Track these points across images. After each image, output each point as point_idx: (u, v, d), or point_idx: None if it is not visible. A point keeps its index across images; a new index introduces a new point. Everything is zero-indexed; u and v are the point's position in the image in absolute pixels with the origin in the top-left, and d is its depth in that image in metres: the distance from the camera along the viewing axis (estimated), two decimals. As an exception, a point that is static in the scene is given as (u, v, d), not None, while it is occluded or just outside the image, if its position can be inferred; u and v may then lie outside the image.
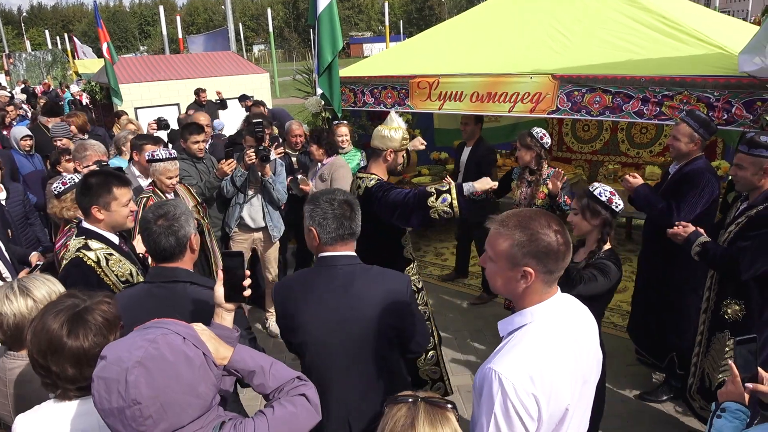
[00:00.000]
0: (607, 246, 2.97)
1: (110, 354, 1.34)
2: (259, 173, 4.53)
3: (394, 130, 3.42)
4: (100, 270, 2.54)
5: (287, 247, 5.61)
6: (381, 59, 6.37)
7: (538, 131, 4.33)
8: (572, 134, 7.50)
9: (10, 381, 1.98)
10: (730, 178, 3.96)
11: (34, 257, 3.49)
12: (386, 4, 29.95)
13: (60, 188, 3.15)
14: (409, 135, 3.54)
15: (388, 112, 5.98)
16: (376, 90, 5.59)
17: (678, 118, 3.76)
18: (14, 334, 1.99)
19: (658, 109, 4.01)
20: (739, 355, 1.91)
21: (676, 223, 3.25)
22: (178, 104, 10.76)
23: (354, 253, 2.22)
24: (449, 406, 1.36)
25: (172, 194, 3.98)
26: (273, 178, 4.62)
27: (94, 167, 4.12)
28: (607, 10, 4.82)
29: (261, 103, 8.10)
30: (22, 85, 21.67)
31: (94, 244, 2.59)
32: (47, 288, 2.04)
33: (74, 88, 17.19)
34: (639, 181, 3.79)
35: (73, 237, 2.64)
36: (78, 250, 2.55)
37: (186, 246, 2.14)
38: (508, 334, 1.66)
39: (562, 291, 1.71)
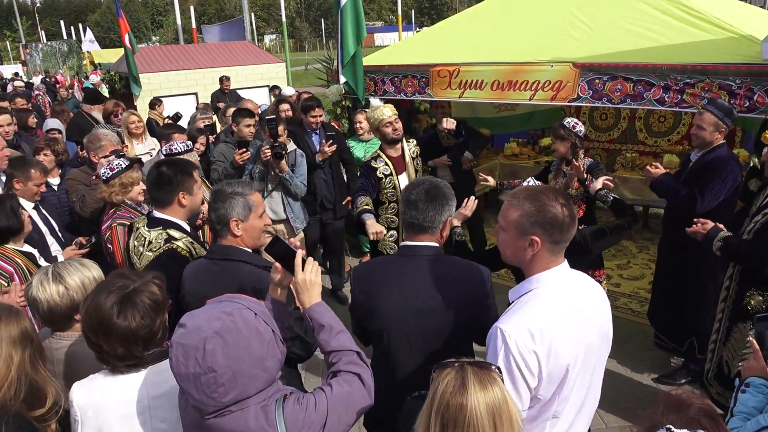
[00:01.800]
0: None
1: (189, 322, 1.43)
2: (277, 170, 4.57)
3: (371, 111, 4.26)
4: (192, 259, 2.58)
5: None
6: (401, 48, 6.42)
7: (569, 121, 4.15)
8: (590, 123, 7.52)
9: (59, 360, 2.06)
10: (751, 165, 4.00)
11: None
12: (398, -7, 29.72)
13: (108, 173, 3.23)
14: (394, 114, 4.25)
15: (409, 101, 6.09)
16: (396, 79, 5.65)
17: (701, 106, 3.80)
18: (50, 318, 2.07)
19: (679, 96, 4.05)
20: (759, 332, 1.98)
21: (695, 220, 3.27)
22: (196, 93, 10.87)
23: (436, 244, 2.24)
24: (494, 367, 1.42)
25: None
26: (290, 174, 4.64)
27: (112, 157, 4.22)
28: (628, -3, 4.84)
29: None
30: (41, 75, 21.89)
31: (175, 233, 2.62)
32: (80, 274, 2.10)
33: (94, 79, 17.38)
34: (660, 170, 3.83)
35: (144, 226, 2.67)
36: (167, 241, 2.58)
37: (227, 226, 2.24)
38: (517, 298, 1.79)
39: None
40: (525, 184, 3.21)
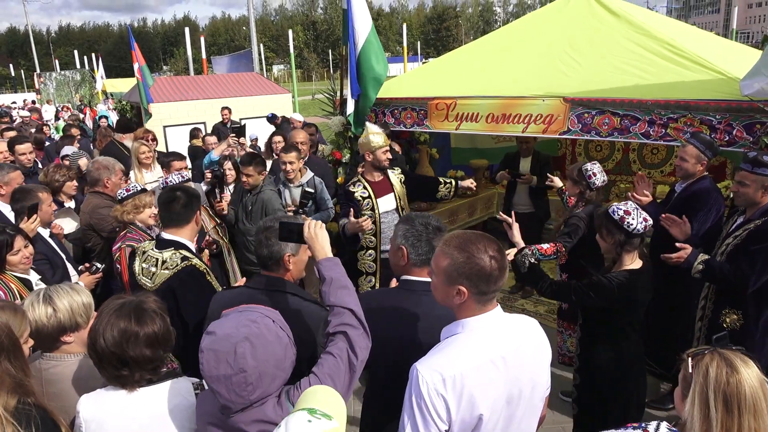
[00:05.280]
0: (631, 266, 2.90)
1: (219, 330, 1.62)
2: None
3: (369, 135, 4.31)
4: (209, 276, 2.78)
5: None
6: (401, 82, 6.66)
7: (587, 168, 4.06)
8: (585, 154, 7.73)
9: (47, 380, 2.15)
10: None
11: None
12: (404, 26, 30.50)
13: (124, 194, 3.46)
14: (387, 140, 4.40)
15: (409, 132, 6.30)
16: (396, 111, 5.87)
17: (684, 140, 4.00)
18: (36, 338, 2.13)
19: (663, 130, 4.24)
20: None
21: (677, 245, 3.42)
22: (204, 123, 11.19)
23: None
24: (736, 348, 1.53)
25: None
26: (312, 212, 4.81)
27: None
28: (617, 36, 5.08)
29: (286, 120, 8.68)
30: (52, 105, 22.37)
31: (186, 253, 2.80)
32: (69, 298, 2.19)
33: (100, 107, 17.85)
34: (647, 199, 3.98)
35: (152, 248, 2.83)
36: (183, 259, 2.76)
37: (279, 261, 2.30)
38: (444, 340, 1.81)
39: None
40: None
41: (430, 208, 6.67)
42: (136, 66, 10.17)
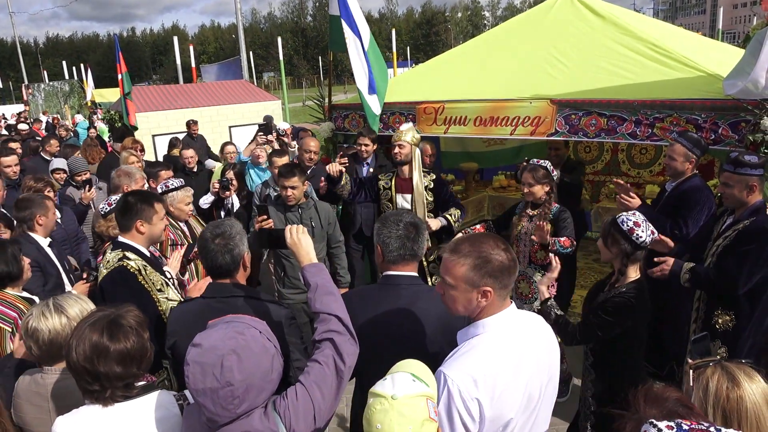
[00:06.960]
0: (634, 277, 2.83)
1: (205, 342, 1.58)
2: None
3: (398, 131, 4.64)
4: (141, 277, 2.79)
5: None
6: (390, 87, 6.66)
7: (549, 164, 4.00)
8: (574, 155, 7.75)
9: (56, 395, 2.08)
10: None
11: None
12: (393, 31, 30.65)
13: (106, 209, 3.43)
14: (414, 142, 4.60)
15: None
16: (384, 116, 5.86)
17: (671, 139, 4.01)
18: (49, 350, 2.09)
19: (650, 130, 4.26)
20: (696, 352, 2.09)
21: (655, 260, 3.43)
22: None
23: (416, 273, 2.29)
24: (744, 361, 1.50)
25: (184, 223, 4.17)
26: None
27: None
28: (602, 38, 5.10)
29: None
30: (46, 117, 22.21)
31: (130, 255, 2.84)
32: (80, 306, 2.16)
33: (79, 118, 17.82)
34: (636, 202, 3.89)
35: (109, 251, 2.91)
36: (120, 260, 2.81)
37: (240, 263, 2.32)
38: (463, 343, 1.80)
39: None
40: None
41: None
42: (120, 76, 10.04)
